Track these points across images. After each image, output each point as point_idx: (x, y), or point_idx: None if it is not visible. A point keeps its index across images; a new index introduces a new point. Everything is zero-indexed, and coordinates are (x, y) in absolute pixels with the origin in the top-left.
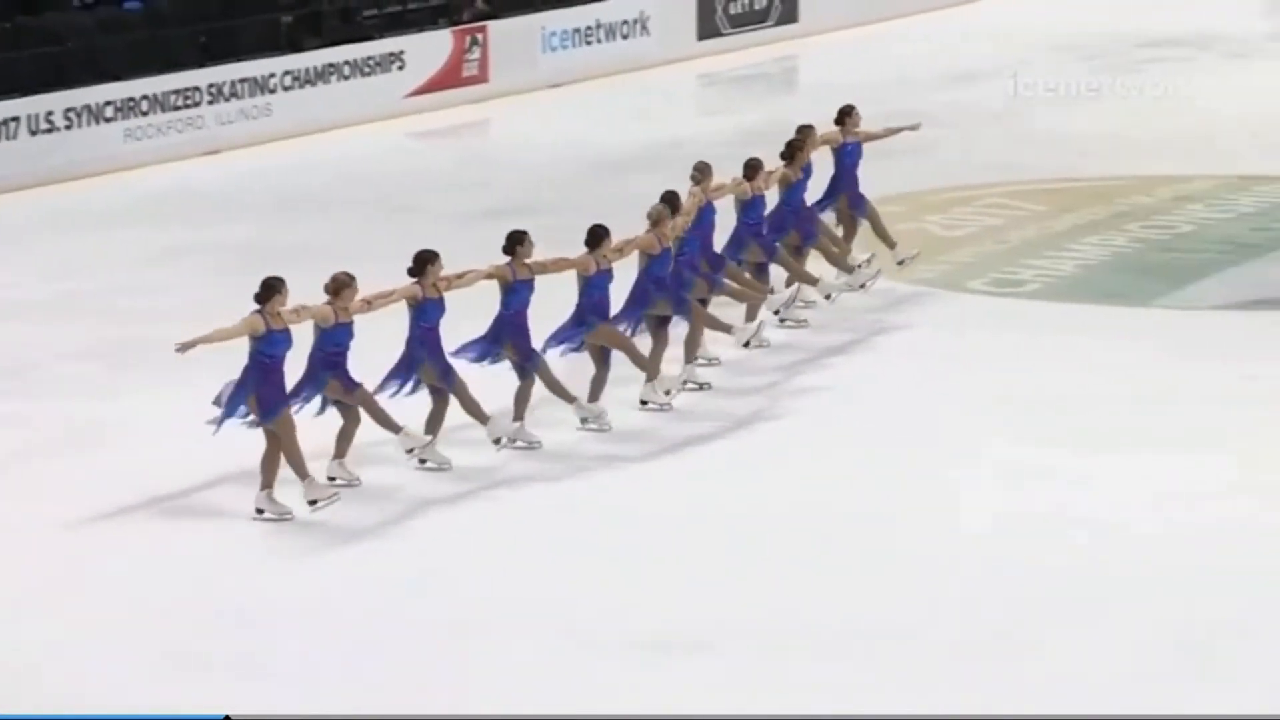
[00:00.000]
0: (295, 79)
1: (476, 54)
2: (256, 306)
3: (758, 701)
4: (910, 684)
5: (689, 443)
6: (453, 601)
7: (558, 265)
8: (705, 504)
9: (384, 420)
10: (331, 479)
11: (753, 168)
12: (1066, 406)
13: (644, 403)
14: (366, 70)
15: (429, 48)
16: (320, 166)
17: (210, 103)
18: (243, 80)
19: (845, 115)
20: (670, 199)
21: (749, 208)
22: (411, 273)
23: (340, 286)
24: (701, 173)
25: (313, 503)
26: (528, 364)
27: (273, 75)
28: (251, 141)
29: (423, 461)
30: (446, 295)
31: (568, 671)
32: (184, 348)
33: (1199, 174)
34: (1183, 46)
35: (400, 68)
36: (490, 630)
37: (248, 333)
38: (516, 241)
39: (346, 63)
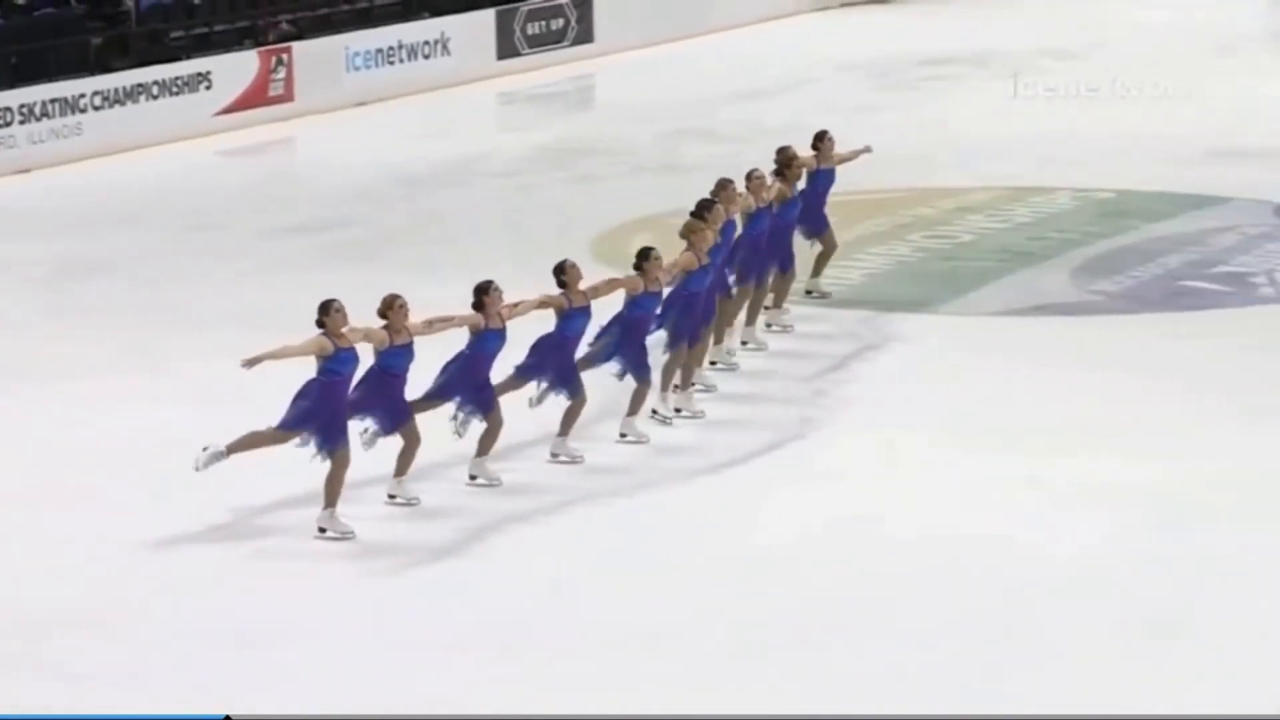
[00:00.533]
0: (105, 99)
1: (282, 74)
2: (319, 329)
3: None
4: (693, 684)
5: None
6: (492, 612)
7: (609, 287)
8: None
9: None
10: (391, 496)
11: (755, 179)
12: (863, 410)
13: (653, 412)
14: (175, 90)
15: (236, 68)
16: (130, 185)
17: (21, 123)
18: (53, 100)
19: (820, 140)
20: (701, 210)
21: (754, 220)
22: (474, 305)
23: (386, 306)
24: (722, 188)
25: (322, 530)
26: (569, 388)
27: (83, 95)
28: (62, 160)
29: (473, 478)
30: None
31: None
32: (250, 363)
33: (978, 186)
34: (960, 64)
35: (208, 87)
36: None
37: (315, 352)
38: (561, 271)
39: (155, 83)
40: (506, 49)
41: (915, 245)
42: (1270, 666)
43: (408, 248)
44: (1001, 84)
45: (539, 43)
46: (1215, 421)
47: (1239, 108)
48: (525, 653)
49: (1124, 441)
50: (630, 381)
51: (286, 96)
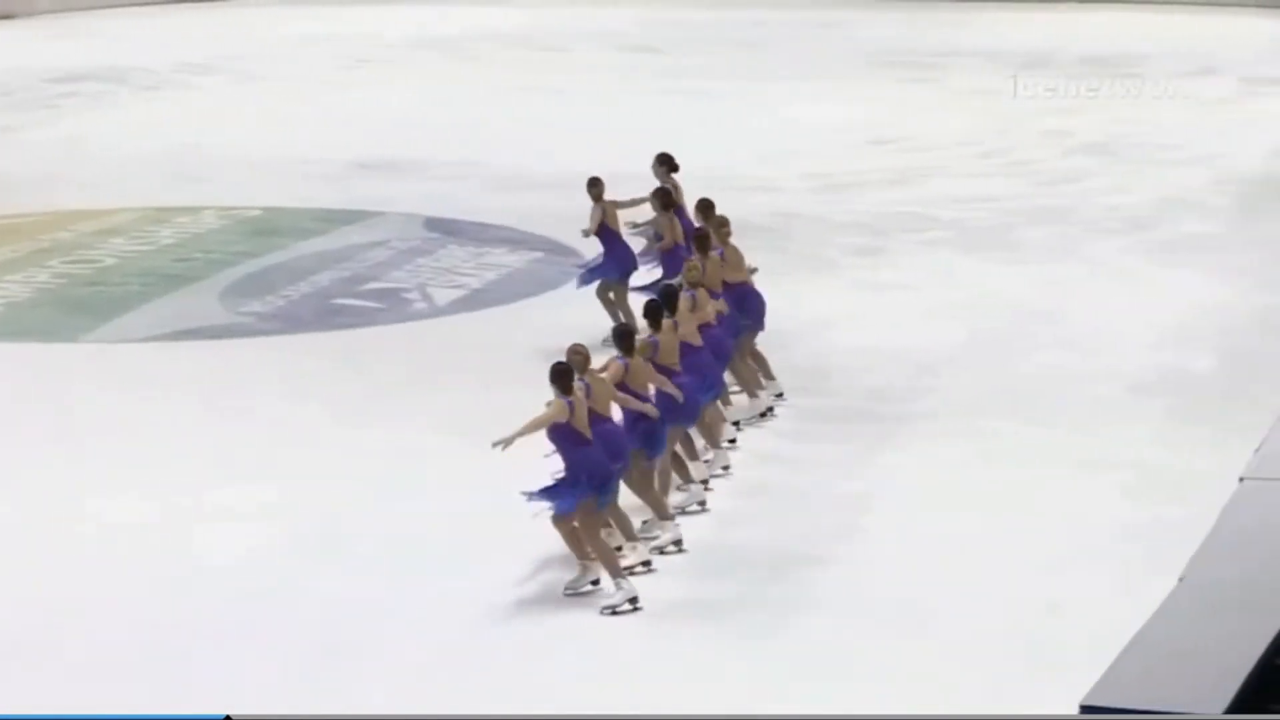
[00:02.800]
0: None
1: None
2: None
3: None
4: None
5: None
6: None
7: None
8: None
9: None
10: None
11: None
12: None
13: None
14: None
15: None
16: None
17: None
18: None
19: (670, 164)
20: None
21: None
22: (625, 349)
23: (586, 361)
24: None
25: (597, 581)
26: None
27: None
28: None
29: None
30: None
31: None
32: (504, 445)
33: (120, 207)
34: (96, 81)
35: None
36: None
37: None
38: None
39: None
40: None
41: (55, 271)
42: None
43: None
44: (142, 99)
45: None
46: (332, 441)
47: (382, 120)
48: None
49: (272, 464)
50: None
51: None
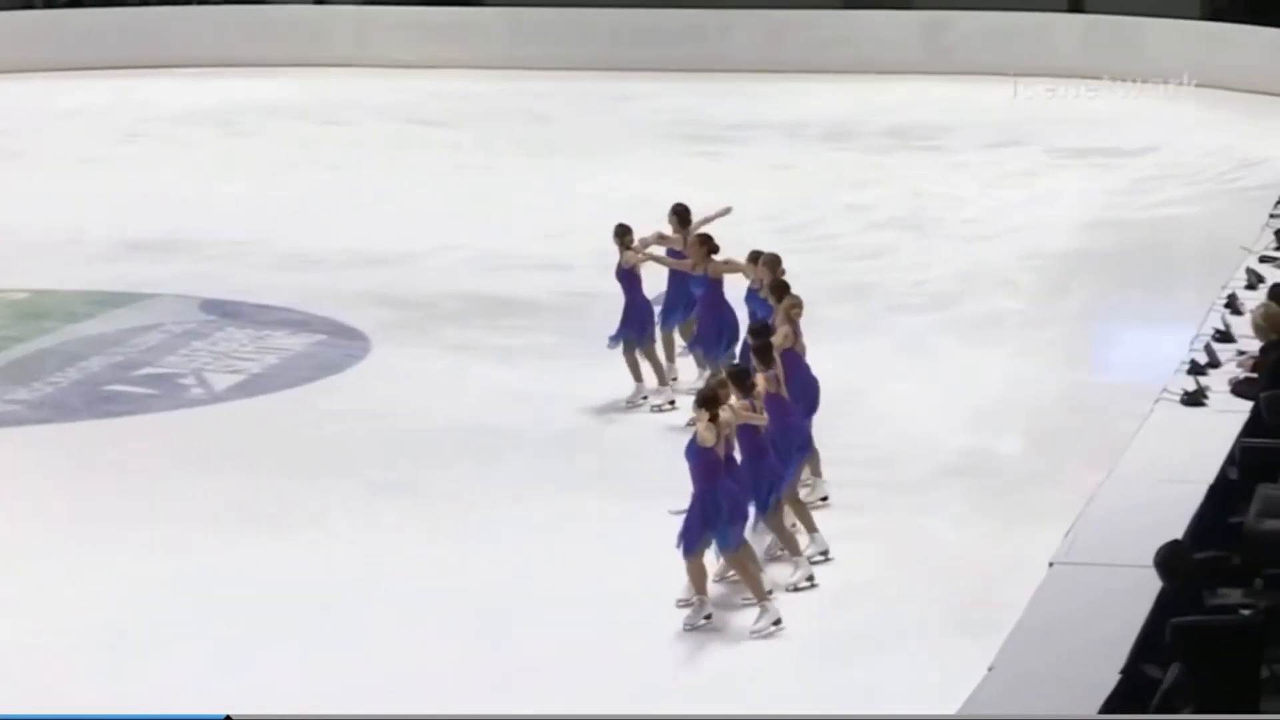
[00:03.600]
0: None
1: None
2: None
3: None
4: None
5: None
6: None
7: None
8: None
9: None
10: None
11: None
12: None
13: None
14: None
15: None
16: None
17: None
18: None
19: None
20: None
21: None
22: (745, 390)
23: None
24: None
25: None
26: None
27: None
28: None
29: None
30: None
31: None
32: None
33: None
34: None
35: None
36: None
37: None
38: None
39: None
40: None
41: None
42: None
43: None
44: None
45: None
46: (107, 535)
47: (153, 197)
48: None
49: (43, 558)
50: None
51: None
